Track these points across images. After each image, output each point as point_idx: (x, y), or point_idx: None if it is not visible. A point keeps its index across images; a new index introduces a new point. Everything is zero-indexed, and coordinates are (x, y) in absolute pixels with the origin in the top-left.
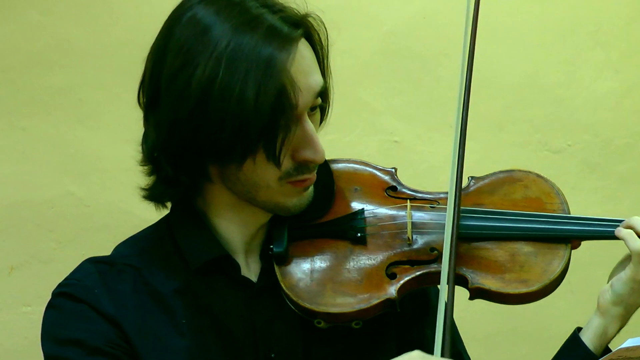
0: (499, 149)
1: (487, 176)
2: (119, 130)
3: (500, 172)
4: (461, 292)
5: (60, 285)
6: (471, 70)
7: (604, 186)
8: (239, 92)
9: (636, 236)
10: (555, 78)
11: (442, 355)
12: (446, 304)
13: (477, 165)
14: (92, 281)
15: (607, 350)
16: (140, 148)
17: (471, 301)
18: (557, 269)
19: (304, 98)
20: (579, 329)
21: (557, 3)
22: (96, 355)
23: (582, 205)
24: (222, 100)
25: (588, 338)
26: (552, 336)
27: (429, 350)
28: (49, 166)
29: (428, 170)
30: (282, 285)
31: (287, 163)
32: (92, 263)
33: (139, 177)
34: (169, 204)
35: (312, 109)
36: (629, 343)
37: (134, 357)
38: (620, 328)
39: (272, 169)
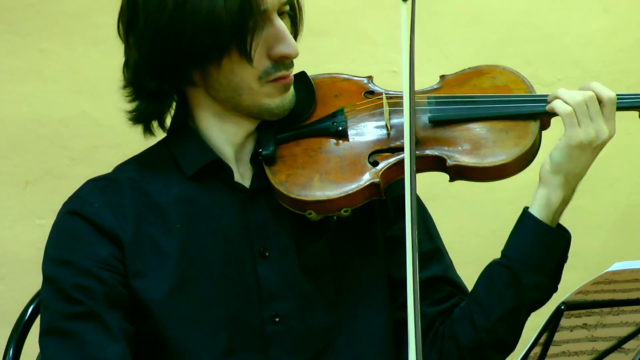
0: None
1: (455, 73)
2: None
3: (468, 68)
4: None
5: (65, 204)
6: None
7: None
8: None
9: (562, 102)
10: (548, 16)
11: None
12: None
13: None
14: (94, 196)
15: (560, 227)
16: (122, 76)
17: (461, 225)
18: (528, 142)
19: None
20: (527, 207)
21: None
22: (83, 276)
23: None
24: (196, 3)
25: (534, 210)
26: None
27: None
28: (65, 86)
29: None
30: (273, 183)
31: (263, 62)
32: (94, 181)
33: None
34: (158, 134)
35: (281, 14)
36: (615, 267)
37: (125, 277)
38: (565, 199)
39: (249, 68)
